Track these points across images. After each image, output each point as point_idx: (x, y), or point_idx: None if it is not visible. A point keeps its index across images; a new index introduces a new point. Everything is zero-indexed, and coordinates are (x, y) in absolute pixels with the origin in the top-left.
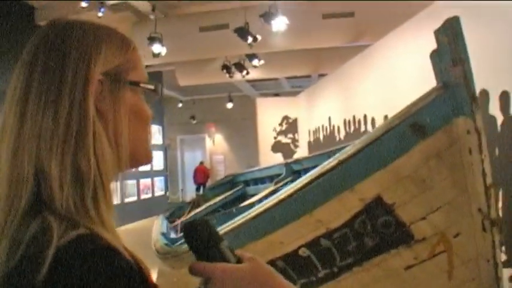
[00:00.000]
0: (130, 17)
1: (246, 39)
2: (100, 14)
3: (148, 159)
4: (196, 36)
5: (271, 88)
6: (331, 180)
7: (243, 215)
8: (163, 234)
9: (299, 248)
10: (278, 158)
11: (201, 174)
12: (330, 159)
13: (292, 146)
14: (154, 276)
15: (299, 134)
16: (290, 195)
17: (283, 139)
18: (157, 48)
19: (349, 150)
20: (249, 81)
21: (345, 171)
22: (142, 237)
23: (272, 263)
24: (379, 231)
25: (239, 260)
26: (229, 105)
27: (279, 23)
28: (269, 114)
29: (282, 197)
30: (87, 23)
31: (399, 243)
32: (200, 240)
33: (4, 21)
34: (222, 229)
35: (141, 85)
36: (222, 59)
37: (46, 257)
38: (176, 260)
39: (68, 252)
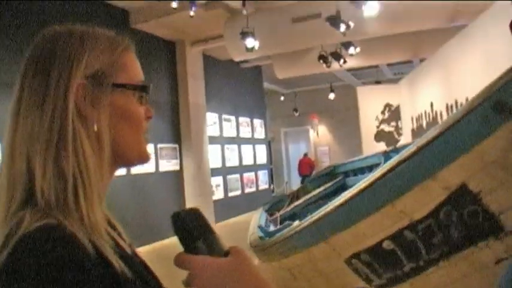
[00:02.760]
0: (223, 14)
1: (339, 28)
2: (192, 13)
3: (142, 159)
4: (289, 28)
5: (372, 76)
6: (412, 168)
7: (324, 207)
8: (260, 227)
9: (383, 240)
10: (382, 148)
11: (306, 166)
12: (410, 146)
13: (395, 134)
14: None
15: (402, 122)
16: (370, 185)
17: (386, 127)
18: (250, 42)
19: (428, 135)
20: (349, 70)
21: (425, 158)
22: (244, 231)
23: (357, 256)
24: (465, 222)
25: (227, 254)
26: (332, 96)
27: (370, 8)
28: (371, 103)
29: (362, 187)
30: (76, 29)
31: (488, 235)
32: (186, 231)
33: (100, 25)
34: (305, 221)
35: (127, 86)
36: (318, 49)
37: (10, 244)
38: (263, 253)
39: (25, 240)
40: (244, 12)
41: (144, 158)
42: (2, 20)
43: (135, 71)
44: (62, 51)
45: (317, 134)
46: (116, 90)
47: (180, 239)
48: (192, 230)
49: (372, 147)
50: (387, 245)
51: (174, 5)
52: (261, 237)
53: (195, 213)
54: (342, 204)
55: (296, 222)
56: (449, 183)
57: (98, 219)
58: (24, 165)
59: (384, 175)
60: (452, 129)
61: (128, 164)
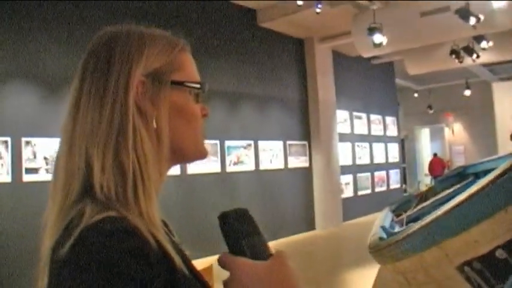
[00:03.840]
0: (350, 10)
1: (468, 20)
2: (318, 10)
3: (200, 155)
4: (418, 22)
5: (509, 71)
6: None
7: (436, 211)
8: (382, 227)
9: (495, 248)
10: None
11: (438, 166)
12: None
13: None
14: None
15: None
16: (481, 190)
17: None
18: (378, 38)
19: None
20: (484, 65)
21: None
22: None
23: (469, 263)
24: None
25: (270, 257)
26: (467, 93)
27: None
28: (507, 100)
29: (474, 191)
30: (135, 29)
31: None
32: (231, 232)
33: (228, 24)
34: (417, 224)
35: (185, 84)
36: (450, 44)
37: (72, 235)
38: (378, 255)
39: (89, 231)
40: (374, 7)
41: (201, 155)
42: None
43: (192, 70)
44: (123, 49)
45: (452, 132)
46: (174, 88)
47: (226, 239)
48: (237, 231)
49: (509, 147)
50: (500, 254)
51: (300, 2)
52: (381, 238)
53: (243, 214)
54: (453, 208)
55: None
56: None
57: (155, 214)
58: (83, 159)
59: (496, 179)
60: None
61: (186, 161)
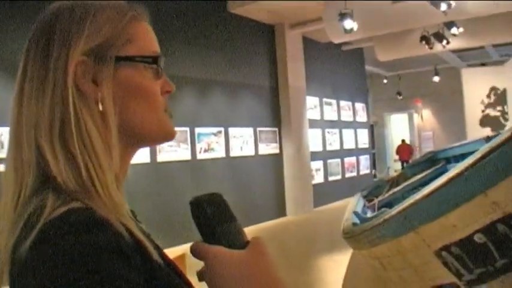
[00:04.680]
0: None
1: (439, 7)
2: None
3: (166, 136)
4: (389, 9)
5: (478, 58)
6: (506, 155)
7: (413, 195)
8: (355, 213)
9: (474, 233)
10: (488, 133)
11: (405, 152)
12: (506, 132)
13: (501, 119)
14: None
15: (509, 106)
16: (460, 174)
17: (491, 112)
18: (348, 24)
19: None
20: (454, 51)
21: None
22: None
23: (447, 248)
24: None
25: (247, 245)
26: (436, 79)
27: None
28: (476, 86)
29: (452, 175)
30: (79, 3)
31: None
32: (204, 219)
33: (198, 10)
34: (393, 210)
35: (134, 59)
36: (420, 30)
37: (33, 231)
38: (353, 240)
39: (52, 226)
40: None
41: (168, 135)
42: None
43: (147, 42)
44: (62, 28)
45: (421, 118)
46: (123, 64)
47: (198, 227)
48: (211, 217)
49: (477, 132)
50: (479, 238)
51: None
52: (354, 224)
53: (216, 200)
54: (431, 193)
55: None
56: None
57: (117, 202)
58: (33, 151)
59: (475, 163)
60: None
61: (151, 143)
